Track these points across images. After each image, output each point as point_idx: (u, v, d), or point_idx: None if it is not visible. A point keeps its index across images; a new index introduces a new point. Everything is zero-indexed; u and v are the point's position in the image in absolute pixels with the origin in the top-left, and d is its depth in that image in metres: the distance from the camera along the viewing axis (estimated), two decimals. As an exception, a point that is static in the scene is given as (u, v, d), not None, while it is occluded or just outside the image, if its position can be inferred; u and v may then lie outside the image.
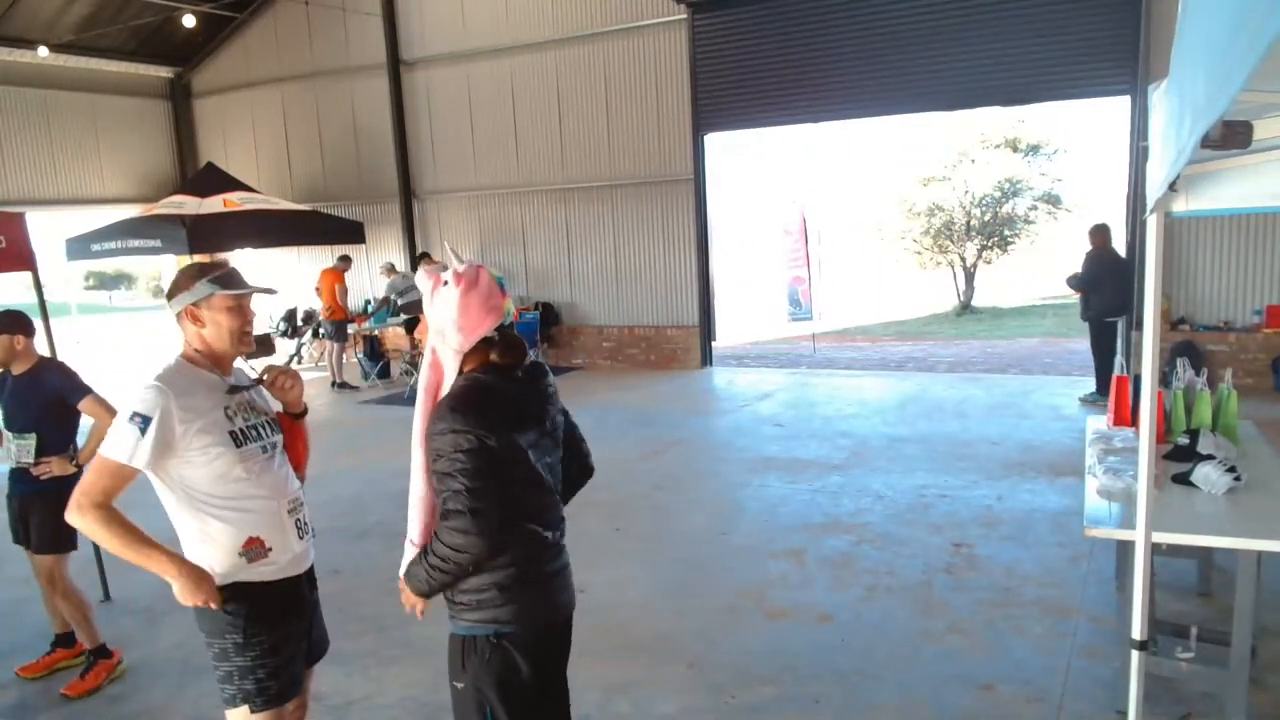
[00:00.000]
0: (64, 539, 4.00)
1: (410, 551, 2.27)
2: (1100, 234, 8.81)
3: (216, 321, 2.43)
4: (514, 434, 2.16)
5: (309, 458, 2.79)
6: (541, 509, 2.25)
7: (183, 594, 2.35)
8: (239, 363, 2.61)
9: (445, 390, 2.19)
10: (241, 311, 2.47)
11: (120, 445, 2.28)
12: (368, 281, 13.64)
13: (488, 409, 2.12)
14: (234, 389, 2.48)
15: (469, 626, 2.19)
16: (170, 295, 2.46)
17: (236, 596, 2.42)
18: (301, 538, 2.56)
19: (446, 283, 2.15)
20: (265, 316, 15.05)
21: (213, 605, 2.38)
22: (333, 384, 12.12)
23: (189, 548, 2.42)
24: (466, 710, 2.21)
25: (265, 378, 2.60)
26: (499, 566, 2.16)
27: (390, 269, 12.59)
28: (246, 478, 2.42)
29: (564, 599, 2.31)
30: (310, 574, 2.65)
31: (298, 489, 2.62)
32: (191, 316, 2.43)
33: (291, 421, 2.68)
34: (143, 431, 2.27)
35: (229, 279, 2.45)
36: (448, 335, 2.15)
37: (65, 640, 4.20)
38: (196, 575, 2.35)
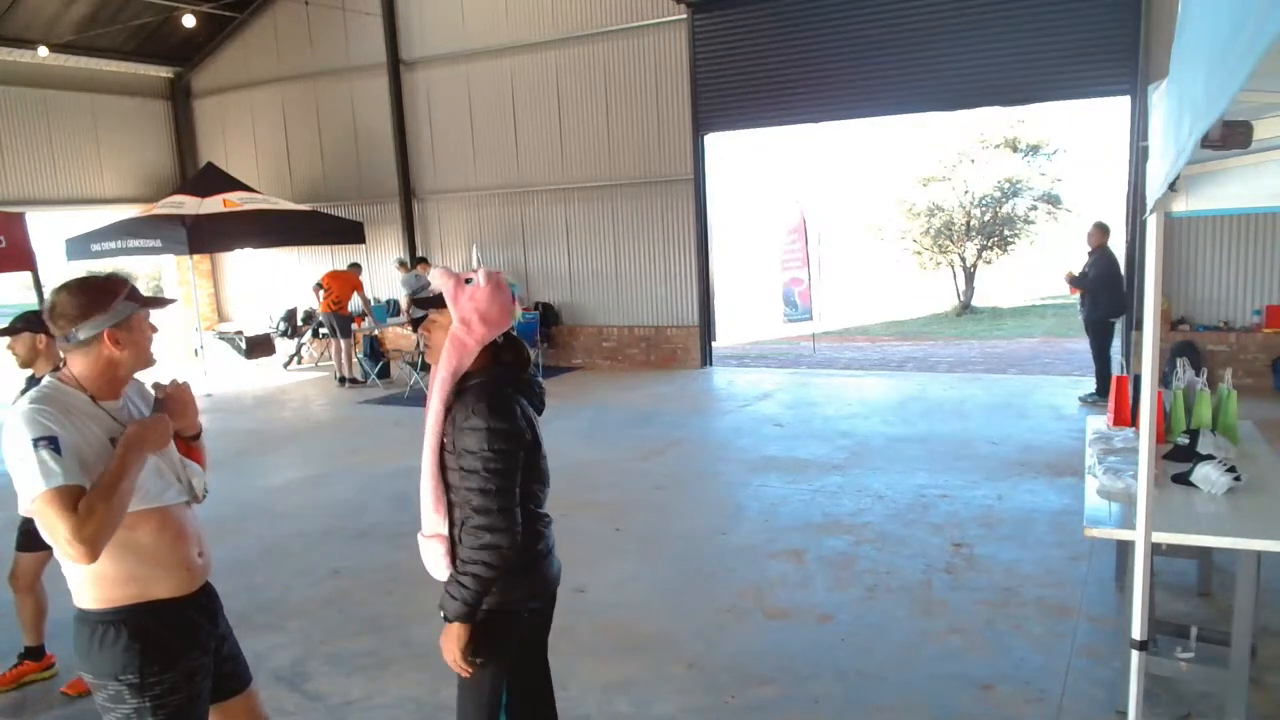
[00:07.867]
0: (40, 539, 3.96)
1: (423, 544, 2.36)
2: (1105, 233, 8.80)
3: (136, 342, 2.21)
4: (533, 429, 2.39)
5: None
6: (543, 498, 2.48)
7: (154, 445, 2.19)
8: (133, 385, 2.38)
9: (459, 375, 2.34)
10: (150, 324, 2.29)
11: (42, 473, 1.96)
12: (370, 283, 13.64)
13: (515, 405, 2.31)
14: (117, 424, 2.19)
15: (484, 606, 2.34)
16: (81, 317, 2.14)
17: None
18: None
19: (470, 280, 2.35)
20: (265, 316, 15.08)
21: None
22: (340, 380, 12.12)
23: (75, 581, 2.21)
24: (479, 687, 2.37)
25: (160, 395, 2.39)
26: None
27: (404, 265, 12.73)
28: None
29: (556, 572, 2.52)
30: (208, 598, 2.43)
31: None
32: (113, 340, 2.17)
33: (187, 445, 2.45)
34: (56, 450, 1.99)
35: (141, 294, 2.26)
36: (474, 327, 2.32)
37: (34, 653, 4.15)
38: (140, 430, 2.17)
